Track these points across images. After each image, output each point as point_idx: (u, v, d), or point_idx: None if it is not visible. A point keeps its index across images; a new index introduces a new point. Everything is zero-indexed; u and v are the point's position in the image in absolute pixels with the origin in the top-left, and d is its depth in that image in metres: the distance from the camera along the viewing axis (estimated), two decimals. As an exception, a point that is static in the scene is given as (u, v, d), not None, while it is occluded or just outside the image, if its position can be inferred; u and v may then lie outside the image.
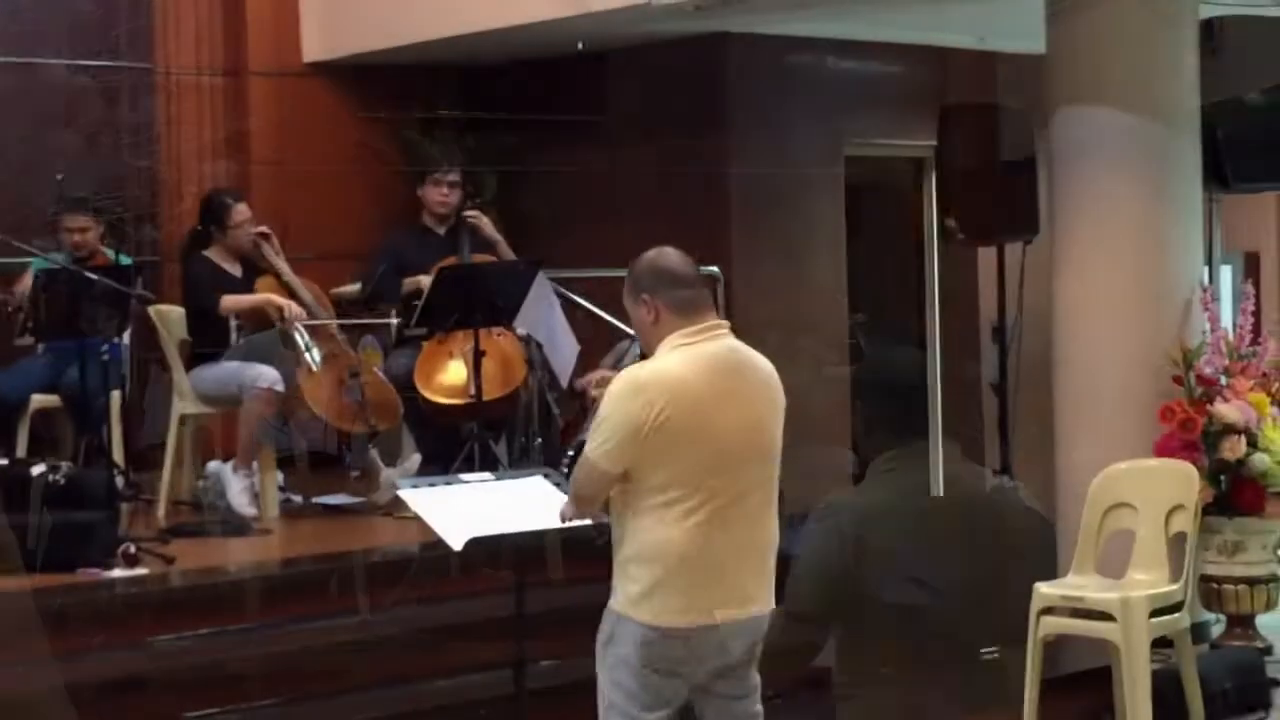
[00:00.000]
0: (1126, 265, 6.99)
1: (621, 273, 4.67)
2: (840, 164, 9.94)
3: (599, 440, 4.48)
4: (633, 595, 4.48)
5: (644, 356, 4.74)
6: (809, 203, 9.81)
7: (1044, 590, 6.12)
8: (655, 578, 4.44)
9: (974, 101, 8.90)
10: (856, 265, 9.98)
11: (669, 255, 4.61)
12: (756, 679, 4.66)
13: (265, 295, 7.90)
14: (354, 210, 9.93)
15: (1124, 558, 6.34)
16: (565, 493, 5.14)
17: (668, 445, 4.41)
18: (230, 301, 7.91)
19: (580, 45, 9.32)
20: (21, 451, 7.91)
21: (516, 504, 5.12)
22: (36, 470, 7.23)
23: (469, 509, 5.05)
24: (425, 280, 8.08)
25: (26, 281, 7.89)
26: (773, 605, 4.63)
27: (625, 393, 4.46)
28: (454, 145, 9.79)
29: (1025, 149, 8.01)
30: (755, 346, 4.68)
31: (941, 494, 5.86)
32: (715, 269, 9.32)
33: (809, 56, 9.81)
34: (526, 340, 8.18)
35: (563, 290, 8.25)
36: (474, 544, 4.95)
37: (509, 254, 8.50)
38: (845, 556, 5.21)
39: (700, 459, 4.44)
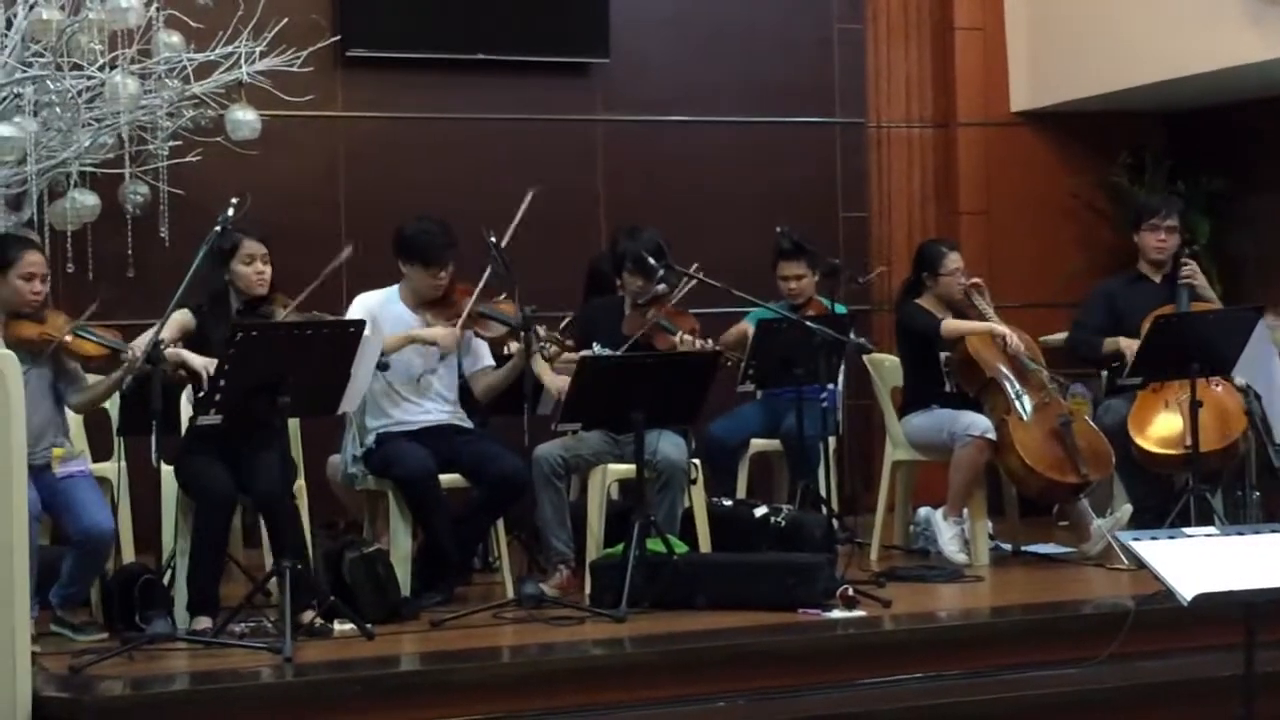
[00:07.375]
0: None
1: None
2: None
3: None
4: None
5: None
6: None
7: None
8: None
9: None
10: None
11: None
12: None
13: (987, 324, 7.92)
14: (1061, 258, 9.89)
15: None
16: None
17: None
18: (951, 326, 7.93)
19: (1304, 85, 9.01)
20: (741, 493, 8.20)
21: (1250, 559, 4.96)
22: (759, 512, 7.58)
23: (1199, 562, 4.93)
24: (1125, 342, 7.99)
25: (743, 329, 8.20)
26: None
27: None
28: (1165, 190, 9.59)
29: None
30: None
31: None
32: None
33: None
34: (1245, 390, 7.91)
35: (1281, 338, 7.96)
36: (1199, 599, 4.83)
37: None
38: None
39: None
